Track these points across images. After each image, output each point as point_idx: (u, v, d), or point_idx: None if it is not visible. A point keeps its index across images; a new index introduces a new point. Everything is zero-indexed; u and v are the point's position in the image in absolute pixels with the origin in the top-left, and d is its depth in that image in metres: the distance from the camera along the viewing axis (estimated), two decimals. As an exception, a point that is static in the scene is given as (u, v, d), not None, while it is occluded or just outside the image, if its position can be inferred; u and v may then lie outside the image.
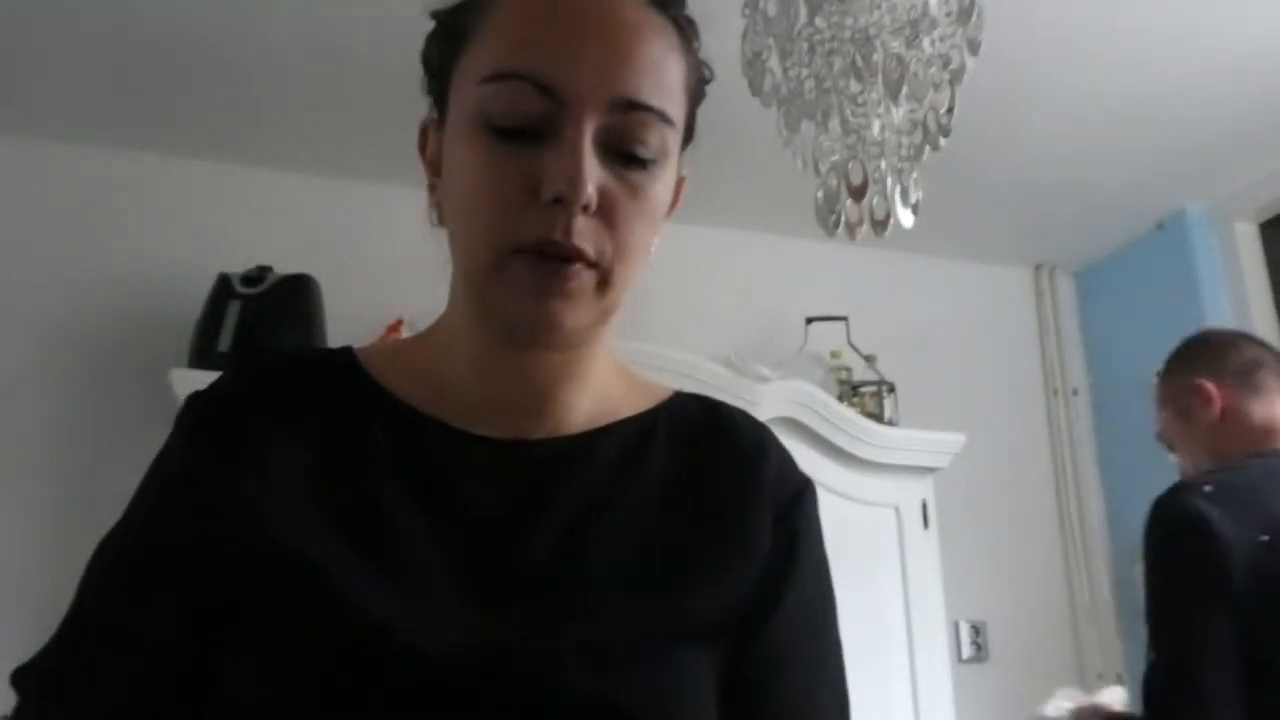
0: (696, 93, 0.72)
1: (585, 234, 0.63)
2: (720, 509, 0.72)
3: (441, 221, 0.72)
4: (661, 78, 0.66)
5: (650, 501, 0.71)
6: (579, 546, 0.67)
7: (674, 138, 0.68)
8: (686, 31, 0.71)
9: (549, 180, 0.62)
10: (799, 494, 0.75)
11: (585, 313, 0.65)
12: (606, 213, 0.64)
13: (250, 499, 0.65)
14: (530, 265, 0.63)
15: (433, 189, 0.73)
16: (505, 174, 0.63)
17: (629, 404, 0.75)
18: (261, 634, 0.61)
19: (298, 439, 0.68)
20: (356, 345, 0.77)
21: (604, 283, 0.65)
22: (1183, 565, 1.51)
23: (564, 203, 0.62)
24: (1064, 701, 1.76)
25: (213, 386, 0.72)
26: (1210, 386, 1.74)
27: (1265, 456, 1.68)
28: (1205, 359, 1.79)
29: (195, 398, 0.71)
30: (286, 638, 0.61)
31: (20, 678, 0.65)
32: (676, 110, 0.67)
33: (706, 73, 0.74)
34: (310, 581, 0.61)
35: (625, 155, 0.65)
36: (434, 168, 0.72)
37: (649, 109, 0.65)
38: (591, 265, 0.64)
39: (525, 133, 0.63)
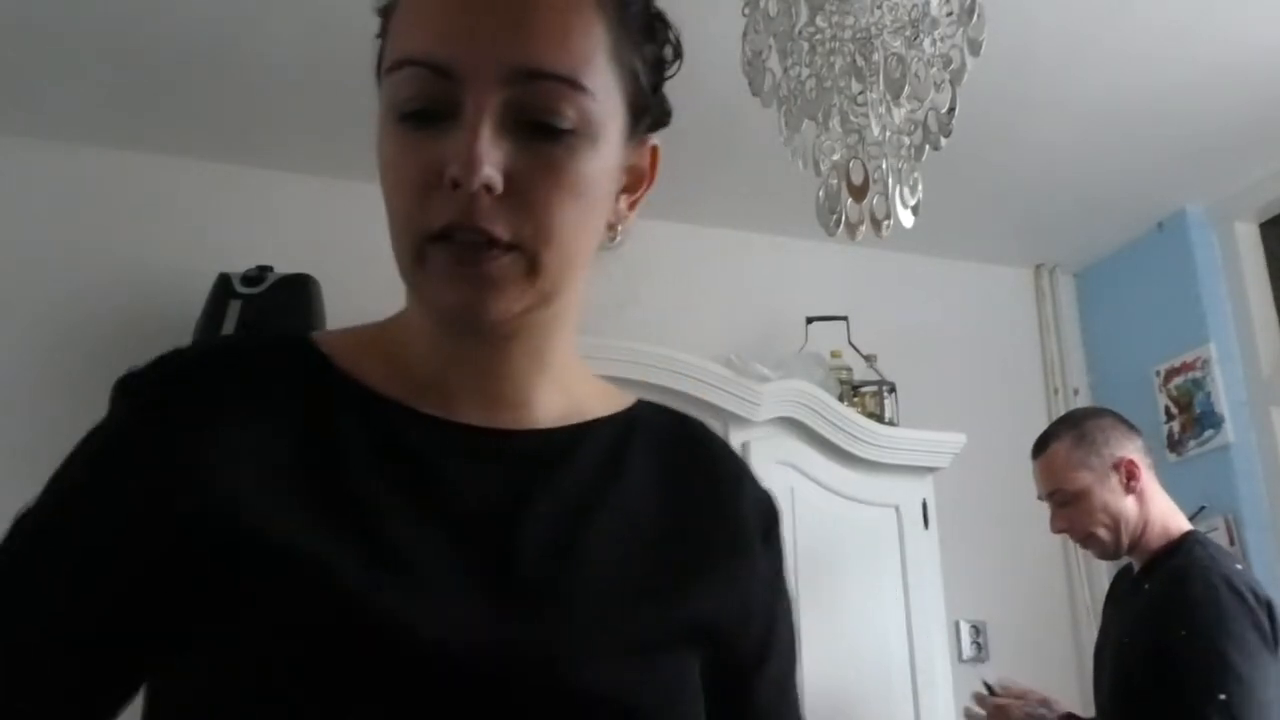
0: (649, 61, 0.68)
1: (495, 215, 0.60)
2: (710, 514, 0.73)
3: None
4: (567, 43, 0.62)
5: (639, 502, 0.70)
6: (575, 542, 0.66)
7: (598, 107, 0.63)
8: None
9: (448, 164, 0.60)
10: (773, 509, 0.78)
11: (512, 298, 0.62)
12: (522, 192, 0.61)
13: (216, 484, 0.61)
14: (446, 253, 0.61)
15: None
16: (413, 161, 0.62)
17: (599, 405, 0.74)
18: (241, 628, 0.58)
19: (260, 425, 0.64)
20: (315, 334, 0.73)
21: (533, 267, 0.62)
22: (1247, 619, 1.86)
23: (462, 185, 0.59)
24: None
25: (157, 364, 0.67)
26: (1138, 465, 2.02)
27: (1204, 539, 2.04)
28: (1120, 437, 2.06)
29: (135, 375, 0.66)
30: (279, 634, 0.57)
31: None
32: (596, 77, 0.63)
33: (667, 37, 0.70)
34: (311, 579, 0.58)
35: (539, 127, 0.61)
36: None
37: (554, 76, 0.61)
38: (511, 248, 0.61)
39: (433, 117, 0.61)
